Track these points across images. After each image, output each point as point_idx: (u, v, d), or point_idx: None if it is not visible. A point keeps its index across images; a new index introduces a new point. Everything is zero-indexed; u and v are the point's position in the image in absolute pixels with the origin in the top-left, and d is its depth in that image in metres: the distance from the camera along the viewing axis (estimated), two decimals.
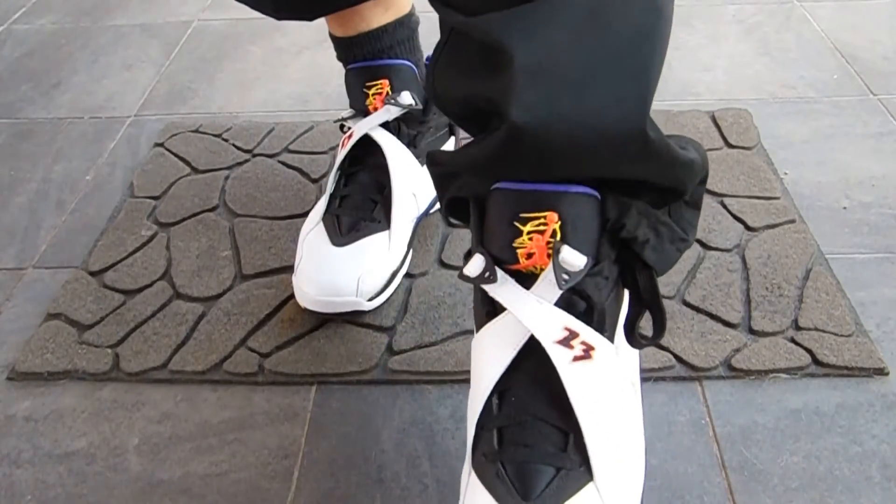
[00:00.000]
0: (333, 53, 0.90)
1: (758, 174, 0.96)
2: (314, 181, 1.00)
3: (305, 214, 0.88)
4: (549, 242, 0.51)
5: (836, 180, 0.96)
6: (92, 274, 0.88)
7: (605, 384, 0.52)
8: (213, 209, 0.96)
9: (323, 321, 0.81)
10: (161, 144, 1.09)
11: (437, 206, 0.92)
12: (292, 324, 0.81)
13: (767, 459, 0.67)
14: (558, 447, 0.51)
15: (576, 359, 0.51)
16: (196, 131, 1.11)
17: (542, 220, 0.51)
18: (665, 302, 0.80)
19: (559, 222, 0.51)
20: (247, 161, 1.04)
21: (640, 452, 0.55)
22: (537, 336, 0.52)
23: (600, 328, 0.53)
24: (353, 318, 0.81)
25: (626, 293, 0.57)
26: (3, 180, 1.05)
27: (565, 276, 0.50)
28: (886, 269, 0.84)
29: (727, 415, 0.70)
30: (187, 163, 1.05)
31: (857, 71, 1.17)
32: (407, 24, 0.85)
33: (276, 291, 0.84)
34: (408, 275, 0.85)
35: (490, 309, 0.56)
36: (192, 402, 0.74)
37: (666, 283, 0.82)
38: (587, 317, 0.53)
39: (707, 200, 0.93)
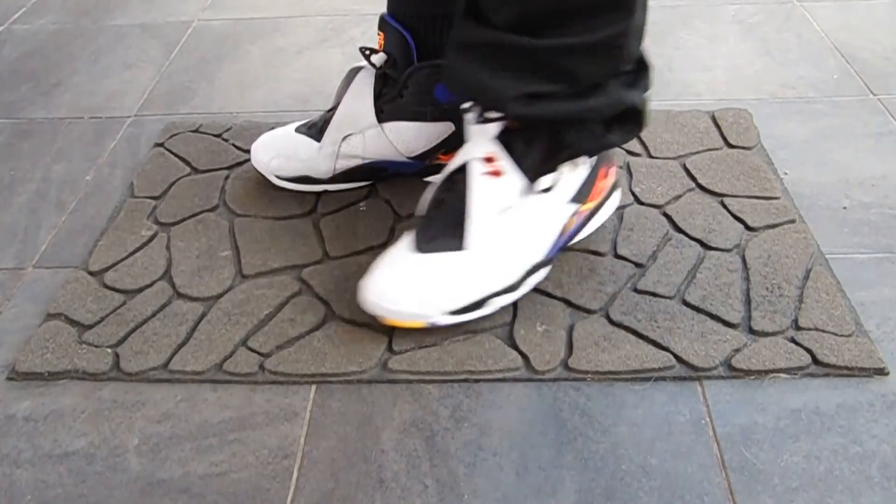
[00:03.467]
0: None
1: (758, 174, 0.96)
2: None
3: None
4: None
5: (836, 180, 0.96)
6: (92, 274, 0.88)
7: (499, 197, 0.75)
8: (213, 209, 0.96)
9: (323, 321, 0.81)
10: (161, 144, 1.09)
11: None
12: (292, 324, 0.81)
13: (767, 459, 0.67)
14: (455, 226, 0.76)
15: (486, 174, 0.75)
16: (196, 131, 1.11)
17: None
18: (665, 302, 0.80)
19: None
20: (247, 161, 1.04)
21: (518, 252, 0.78)
22: (467, 152, 0.76)
23: (520, 166, 0.75)
24: (353, 317, 0.81)
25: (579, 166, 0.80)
26: (3, 180, 1.05)
27: (486, 115, 0.76)
28: (886, 269, 0.84)
29: (727, 415, 0.70)
30: (187, 163, 1.05)
31: (857, 71, 1.17)
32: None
33: (276, 291, 0.84)
34: None
35: None
36: (192, 402, 0.74)
37: (666, 284, 0.82)
38: (515, 157, 0.75)
39: (707, 200, 0.93)
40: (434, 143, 0.93)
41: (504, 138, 0.75)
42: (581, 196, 0.81)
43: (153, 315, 0.82)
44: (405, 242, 0.79)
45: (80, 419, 0.73)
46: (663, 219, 0.91)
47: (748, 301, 0.80)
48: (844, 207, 0.92)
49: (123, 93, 1.23)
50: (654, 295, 0.81)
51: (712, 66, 1.20)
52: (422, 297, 0.75)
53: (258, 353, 0.78)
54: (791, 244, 0.86)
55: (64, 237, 0.95)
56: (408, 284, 0.76)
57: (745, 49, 1.24)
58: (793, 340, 0.76)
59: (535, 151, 0.76)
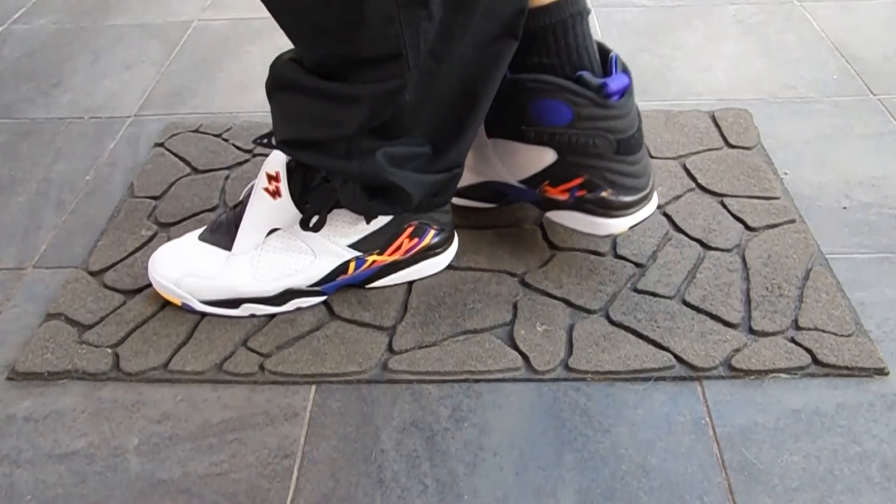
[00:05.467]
0: None
1: (758, 174, 0.96)
2: None
3: None
4: None
5: (836, 180, 0.96)
6: (92, 274, 0.88)
7: (270, 215, 0.79)
8: (213, 209, 0.96)
9: (323, 321, 0.81)
10: (161, 144, 1.09)
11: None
12: (292, 324, 0.81)
13: (767, 459, 0.67)
14: (235, 227, 0.81)
15: (266, 190, 0.78)
16: (196, 131, 1.11)
17: None
18: (665, 302, 0.80)
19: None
20: (247, 161, 1.04)
21: (276, 271, 0.80)
22: (265, 163, 0.79)
23: (293, 195, 0.78)
24: (354, 317, 0.81)
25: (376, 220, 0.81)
26: (3, 180, 1.05)
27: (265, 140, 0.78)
28: (886, 269, 0.84)
29: (727, 415, 0.70)
30: (187, 163, 1.05)
31: (857, 71, 1.17)
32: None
33: None
34: None
35: None
36: (192, 402, 0.74)
37: (666, 284, 0.82)
38: (292, 187, 0.78)
39: (707, 200, 0.93)
40: (538, 169, 0.82)
41: (292, 165, 0.77)
42: (368, 246, 0.81)
43: (153, 315, 0.82)
44: (202, 228, 0.85)
45: (80, 419, 0.73)
46: (663, 219, 0.91)
47: (748, 301, 0.80)
48: (844, 207, 0.92)
49: (123, 93, 1.23)
50: (654, 295, 0.81)
51: (712, 66, 1.20)
52: (181, 279, 0.80)
53: (258, 353, 0.78)
54: (791, 244, 0.86)
55: (64, 237, 0.95)
56: (175, 263, 0.81)
57: (745, 49, 1.24)
58: (793, 340, 0.76)
59: (308, 189, 0.78)
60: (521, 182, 0.84)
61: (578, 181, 0.80)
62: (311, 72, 0.70)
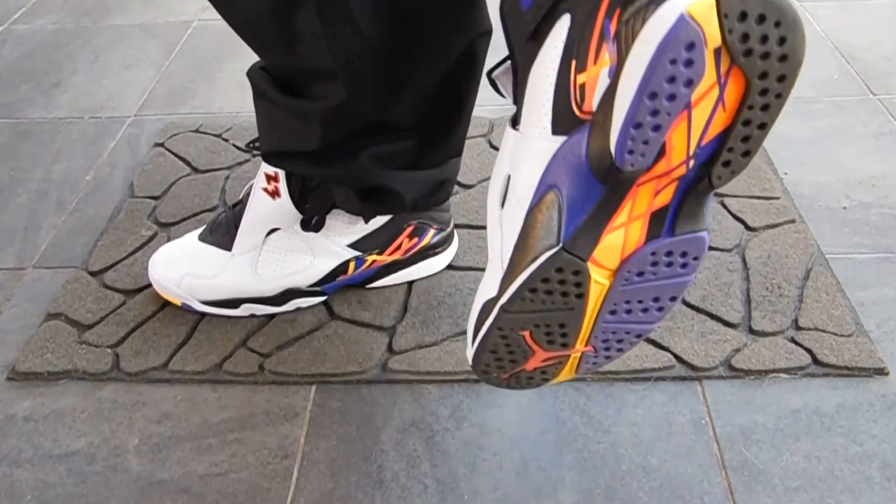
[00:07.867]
0: None
1: (758, 174, 0.96)
2: None
3: None
4: None
5: (836, 180, 0.96)
6: (92, 274, 0.88)
7: (269, 215, 0.78)
8: (213, 209, 0.96)
9: (323, 321, 0.81)
10: (161, 144, 1.09)
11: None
12: (292, 324, 0.81)
13: (767, 459, 0.67)
14: (234, 227, 0.81)
15: (265, 190, 0.77)
16: (196, 131, 1.11)
17: None
18: None
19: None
20: (247, 161, 1.04)
21: (277, 271, 0.80)
22: (263, 166, 0.77)
23: (291, 196, 0.77)
24: (354, 317, 0.81)
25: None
26: (3, 180, 1.05)
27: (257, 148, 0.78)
28: (886, 269, 0.84)
29: (727, 415, 0.70)
30: (187, 163, 1.05)
31: (857, 71, 1.17)
32: None
33: None
34: None
35: None
36: (192, 402, 0.74)
37: None
38: (290, 188, 0.76)
39: None
40: (558, 56, 0.50)
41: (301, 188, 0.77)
42: (367, 246, 0.81)
43: (153, 315, 0.82)
44: (202, 228, 0.85)
45: (80, 419, 0.73)
46: None
47: (748, 301, 0.80)
48: (844, 207, 0.92)
49: (123, 93, 1.23)
50: None
51: None
52: (181, 279, 0.81)
53: (258, 353, 0.78)
54: (791, 244, 0.86)
55: (64, 237, 0.95)
56: (175, 263, 0.82)
57: None
58: (793, 340, 0.76)
59: (308, 189, 0.77)
60: (559, 132, 0.51)
61: (603, 10, 0.48)
62: (276, 82, 0.69)
